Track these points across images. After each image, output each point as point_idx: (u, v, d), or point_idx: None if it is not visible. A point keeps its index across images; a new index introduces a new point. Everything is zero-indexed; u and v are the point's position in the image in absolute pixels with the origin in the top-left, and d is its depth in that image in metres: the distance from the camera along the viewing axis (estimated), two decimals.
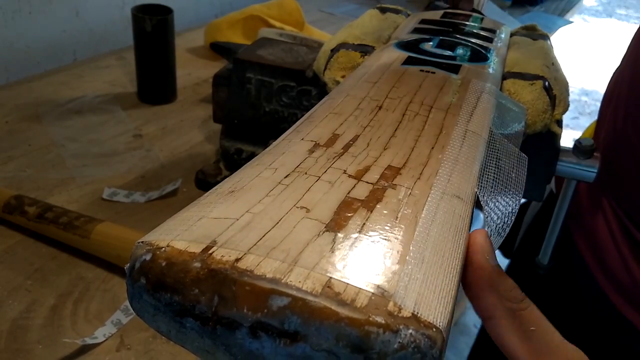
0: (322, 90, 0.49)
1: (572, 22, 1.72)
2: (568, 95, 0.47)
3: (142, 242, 0.22)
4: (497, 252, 0.34)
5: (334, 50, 0.49)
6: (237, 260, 0.20)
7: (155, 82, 0.96)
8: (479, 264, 0.24)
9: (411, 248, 0.22)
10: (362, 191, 0.25)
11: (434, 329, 0.19)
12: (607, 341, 0.63)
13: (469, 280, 0.24)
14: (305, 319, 0.19)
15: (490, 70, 0.43)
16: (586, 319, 0.65)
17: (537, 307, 0.25)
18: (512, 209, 0.27)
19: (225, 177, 0.73)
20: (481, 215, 0.27)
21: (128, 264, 0.22)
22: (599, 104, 0.71)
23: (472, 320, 1.70)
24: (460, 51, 0.45)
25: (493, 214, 0.26)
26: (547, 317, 0.25)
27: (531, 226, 0.80)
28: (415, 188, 0.26)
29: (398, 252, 0.21)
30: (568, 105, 0.46)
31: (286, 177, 0.26)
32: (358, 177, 0.26)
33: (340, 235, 0.22)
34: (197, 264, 0.20)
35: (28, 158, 0.79)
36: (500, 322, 0.24)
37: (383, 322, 0.19)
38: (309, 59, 0.72)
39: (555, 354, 0.24)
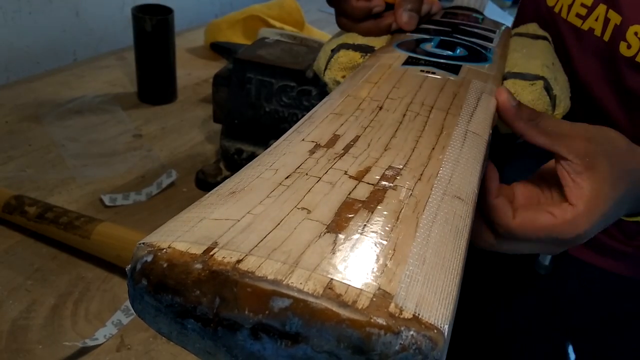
0: (323, 91, 0.49)
1: None
2: (569, 95, 0.46)
3: (143, 243, 0.22)
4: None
5: (334, 51, 0.49)
6: (239, 261, 0.20)
7: (155, 82, 0.96)
8: (505, 107, 0.36)
9: (412, 249, 0.22)
10: (362, 192, 0.25)
11: (435, 331, 0.19)
12: (609, 340, 0.63)
13: (504, 119, 0.37)
14: (307, 320, 0.19)
15: (491, 71, 0.43)
16: (587, 318, 0.65)
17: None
18: None
19: (226, 177, 0.73)
20: None
21: (129, 266, 0.21)
22: None
23: None
24: (460, 51, 0.45)
25: None
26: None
27: None
28: (416, 189, 0.26)
29: (399, 253, 0.21)
30: (569, 106, 0.46)
31: (287, 178, 0.26)
32: (359, 178, 0.26)
33: (341, 236, 0.22)
34: (199, 266, 0.20)
35: (28, 158, 0.79)
36: (529, 133, 0.36)
37: (384, 323, 0.19)
38: (309, 59, 0.72)
39: (567, 135, 0.36)
